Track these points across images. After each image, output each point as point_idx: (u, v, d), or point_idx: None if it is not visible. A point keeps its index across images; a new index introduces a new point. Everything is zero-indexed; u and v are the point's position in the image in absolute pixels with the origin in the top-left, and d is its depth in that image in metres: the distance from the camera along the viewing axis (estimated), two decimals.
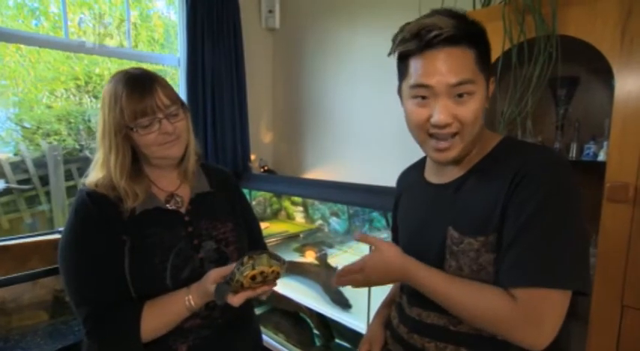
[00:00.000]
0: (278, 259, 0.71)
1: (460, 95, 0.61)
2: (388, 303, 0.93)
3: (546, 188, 0.58)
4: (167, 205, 0.84)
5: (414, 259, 0.67)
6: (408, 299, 0.77)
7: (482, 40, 0.63)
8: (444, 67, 0.60)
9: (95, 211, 0.77)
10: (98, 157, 0.80)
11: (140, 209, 0.79)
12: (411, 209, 0.81)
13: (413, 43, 0.61)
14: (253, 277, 0.69)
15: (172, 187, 0.87)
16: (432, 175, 0.77)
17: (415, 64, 0.63)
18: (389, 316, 0.88)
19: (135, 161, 0.82)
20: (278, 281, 0.78)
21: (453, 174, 0.71)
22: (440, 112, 0.62)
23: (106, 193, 0.78)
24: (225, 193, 0.96)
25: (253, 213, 1.06)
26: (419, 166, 0.85)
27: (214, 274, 0.75)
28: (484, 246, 0.63)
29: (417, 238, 0.76)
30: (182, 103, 0.82)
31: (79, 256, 0.75)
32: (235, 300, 0.72)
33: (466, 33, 0.60)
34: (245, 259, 0.69)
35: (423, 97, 0.64)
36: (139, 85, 0.76)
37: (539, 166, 0.60)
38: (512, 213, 0.60)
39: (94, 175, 0.80)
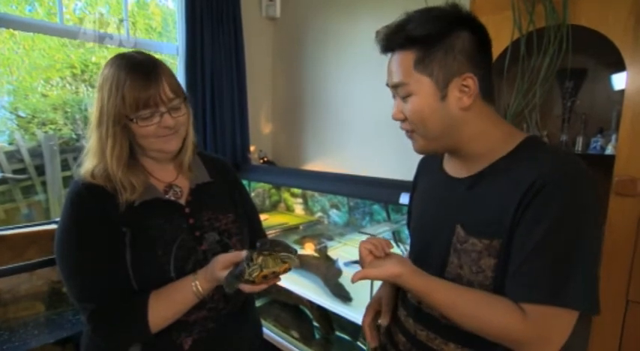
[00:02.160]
0: (288, 251, 0.70)
1: (402, 96, 0.66)
2: None
3: (565, 205, 0.56)
4: (166, 196, 0.81)
5: (420, 270, 0.66)
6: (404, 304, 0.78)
7: (436, 41, 0.62)
8: (390, 69, 0.67)
9: (92, 203, 0.74)
10: (92, 145, 0.76)
11: (139, 200, 0.77)
12: (425, 198, 0.81)
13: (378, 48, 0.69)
14: (264, 276, 0.69)
15: (170, 178, 0.85)
16: (449, 166, 0.76)
17: None
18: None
19: (130, 152, 0.78)
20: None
21: (469, 169, 0.69)
22: (394, 108, 0.69)
23: (102, 184, 0.75)
24: (225, 183, 0.94)
25: (252, 203, 1.04)
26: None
27: (222, 261, 0.74)
28: (487, 249, 0.62)
29: (426, 230, 0.76)
30: (185, 97, 0.79)
31: (79, 251, 0.73)
32: (247, 289, 0.72)
33: (407, 39, 0.63)
34: (254, 255, 0.68)
35: (394, 95, 0.70)
36: (144, 72, 0.72)
37: (559, 179, 0.57)
38: (526, 226, 0.58)
39: (88, 164, 0.76)
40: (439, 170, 0.78)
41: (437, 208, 0.74)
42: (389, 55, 0.68)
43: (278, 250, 0.69)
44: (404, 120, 0.68)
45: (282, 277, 0.75)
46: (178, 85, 0.78)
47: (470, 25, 0.63)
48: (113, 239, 0.74)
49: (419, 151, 0.71)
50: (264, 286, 0.73)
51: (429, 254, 0.73)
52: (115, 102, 0.71)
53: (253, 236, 0.96)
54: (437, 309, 0.64)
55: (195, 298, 0.75)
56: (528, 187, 0.58)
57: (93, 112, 0.75)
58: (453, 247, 0.67)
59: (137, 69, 0.72)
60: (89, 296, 0.72)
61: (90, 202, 0.74)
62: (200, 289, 0.74)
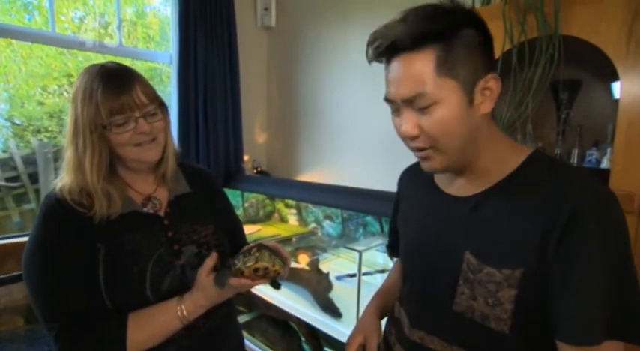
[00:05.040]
0: (282, 259, 0.73)
1: (421, 107, 0.55)
2: (382, 293, 0.88)
3: (607, 238, 0.51)
4: (144, 209, 0.79)
5: None
6: (410, 319, 0.70)
7: (454, 35, 0.53)
8: (399, 78, 0.56)
9: (65, 218, 0.71)
10: (68, 159, 0.73)
11: (116, 214, 0.74)
12: (419, 217, 0.72)
13: (369, 53, 0.58)
14: (255, 270, 0.70)
15: (149, 190, 0.83)
16: (443, 183, 0.68)
17: (385, 75, 0.59)
18: (383, 308, 0.83)
19: (109, 163, 0.76)
20: (268, 286, 0.81)
21: (471, 187, 0.62)
22: (404, 124, 0.57)
23: (77, 199, 0.72)
24: (206, 194, 0.91)
25: (235, 213, 1.02)
26: None
27: (205, 268, 0.74)
28: (507, 280, 0.55)
29: (426, 256, 0.68)
30: (161, 102, 0.78)
31: (48, 267, 0.70)
32: (234, 282, 0.71)
33: (421, 35, 0.52)
34: (253, 249, 0.71)
35: (396, 109, 0.60)
36: (115, 80, 0.71)
37: (592, 208, 0.51)
38: (564, 261, 0.52)
39: (65, 179, 0.74)
40: (431, 186, 0.70)
41: (436, 232, 0.65)
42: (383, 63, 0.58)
43: (274, 254, 0.72)
44: (417, 136, 0.57)
45: (269, 289, 0.74)
46: (153, 91, 0.77)
47: (475, 20, 0.56)
48: (86, 256, 0.71)
49: (436, 171, 0.62)
50: (249, 283, 0.72)
51: (433, 284, 0.65)
52: (89, 111, 0.70)
53: (236, 248, 0.93)
54: None
55: (180, 323, 0.72)
56: (556, 216, 0.51)
57: (67, 126, 0.73)
58: (463, 277, 0.60)
59: (109, 77, 0.71)
60: (56, 315, 0.69)
61: (63, 217, 0.71)
62: (186, 313, 0.72)
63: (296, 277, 1.74)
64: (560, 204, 0.52)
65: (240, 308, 2.05)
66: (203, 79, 2.07)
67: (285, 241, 2.19)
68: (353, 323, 1.42)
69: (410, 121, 0.56)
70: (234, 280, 0.71)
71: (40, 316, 0.70)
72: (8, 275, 1.28)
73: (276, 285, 0.84)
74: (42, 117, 2.39)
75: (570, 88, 1.20)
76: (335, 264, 1.98)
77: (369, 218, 1.92)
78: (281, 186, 2.08)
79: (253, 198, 2.43)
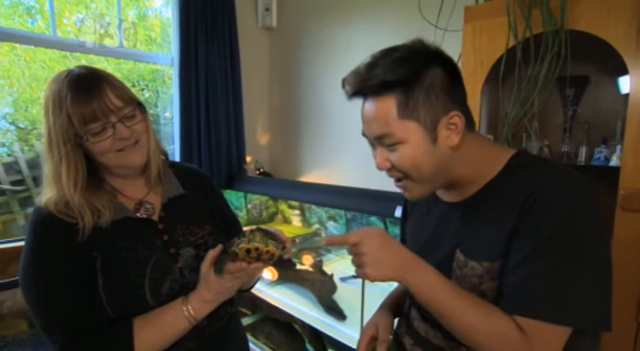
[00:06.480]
0: (277, 241, 0.72)
1: (388, 145, 0.61)
2: (397, 292, 0.90)
3: (560, 216, 0.53)
4: (137, 214, 0.77)
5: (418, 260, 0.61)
6: (421, 314, 0.74)
7: (415, 81, 0.58)
8: (368, 118, 0.63)
9: (56, 231, 0.69)
10: (47, 172, 0.71)
11: (107, 222, 0.72)
12: (421, 225, 0.77)
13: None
14: (248, 251, 0.69)
15: (141, 194, 0.81)
16: (442, 192, 0.73)
17: (360, 112, 0.65)
18: (397, 305, 0.85)
19: (93, 171, 0.74)
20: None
21: (463, 193, 0.67)
22: (376, 158, 0.64)
23: (64, 210, 0.70)
24: (200, 194, 0.90)
25: (232, 211, 1.00)
26: None
27: (207, 261, 0.73)
28: (488, 273, 0.60)
29: (428, 256, 0.70)
30: (138, 103, 0.75)
31: (46, 281, 0.68)
32: (230, 267, 0.70)
33: (382, 84, 0.58)
34: (248, 231, 0.71)
35: (371, 143, 0.66)
36: (84, 85, 0.68)
37: (553, 190, 0.55)
38: (520, 238, 0.56)
39: (48, 193, 0.72)
40: (432, 197, 0.74)
41: (434, 236, 0.71)
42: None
43: (270, 236, 0.72)
44: (390, 169, 0.64)
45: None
46: (127, 92, 0.74)
47: (440, 60, 0.61)
48: (82, 267, 0.70)
49: (416, 199, 0.67)
50: (245, 265, 0.70)
51: None
52: (60, 121, 0.67)
53: None
54: (426, 303, 0.59)
55: (188, 323, 0.71)
56: (523, 203, 0.56)
57: (43, 138, 0.70)
58: (453, 275, 0.64)
59: (77, 83, 0.68)
60: (58, 327, 0.68)
61: (54, 230, 0.70)
62: (192, 312, 0.71)
63: (300, 279, 1.72)
64: (528, 195, 0.56)
65: (244, 310, 2.04)
66: (205, 80, 2.06)
67: None
68: (357, 325, 1.41)
69: (381, 156, 0.63)
70: (231, 265, 0.70)
71: (41, 328, 0.69)
72: (13, 279, 1.27)
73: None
74: None
75: (577, 84, 1.18)
76: (339, 265, 1.96)
77: (373, 219, 1.90)
78: (284, 187, 2.06)
79: (256, 199, 2.42)
